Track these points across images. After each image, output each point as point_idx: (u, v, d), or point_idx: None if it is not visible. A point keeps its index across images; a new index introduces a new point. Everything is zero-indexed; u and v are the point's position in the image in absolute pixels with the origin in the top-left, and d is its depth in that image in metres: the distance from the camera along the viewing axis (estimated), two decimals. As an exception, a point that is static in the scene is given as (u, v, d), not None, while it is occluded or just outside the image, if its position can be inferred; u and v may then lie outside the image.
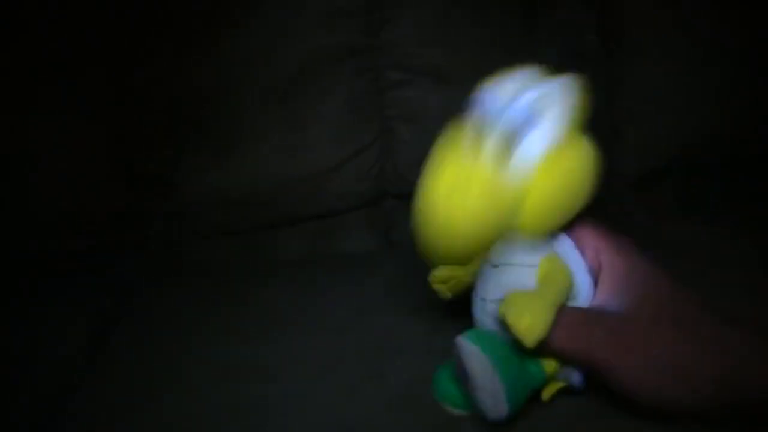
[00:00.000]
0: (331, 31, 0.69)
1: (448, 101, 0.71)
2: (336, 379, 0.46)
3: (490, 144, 0.35)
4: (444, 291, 0.42)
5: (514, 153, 0.35)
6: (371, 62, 0.71)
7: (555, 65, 0.73)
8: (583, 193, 0.37)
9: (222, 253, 0.74)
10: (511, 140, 0.35)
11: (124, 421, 0.44)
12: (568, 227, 0.39)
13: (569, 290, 0.36)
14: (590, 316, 0.36)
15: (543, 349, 0.34)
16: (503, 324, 0.33)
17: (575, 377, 0.37)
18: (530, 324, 0.32)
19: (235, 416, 0.43)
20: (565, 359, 0.36)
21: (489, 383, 0.34)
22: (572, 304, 0.37)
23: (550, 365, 0.36)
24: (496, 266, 0.37)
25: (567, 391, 0.38)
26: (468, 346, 0.35)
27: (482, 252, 0.36)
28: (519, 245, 0.37)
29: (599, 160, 0.38)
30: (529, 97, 0.36)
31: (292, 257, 0.73)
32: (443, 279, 0.41)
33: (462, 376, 0.36)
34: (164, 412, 0.44)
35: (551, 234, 0.38)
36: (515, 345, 0.35)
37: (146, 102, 0.69)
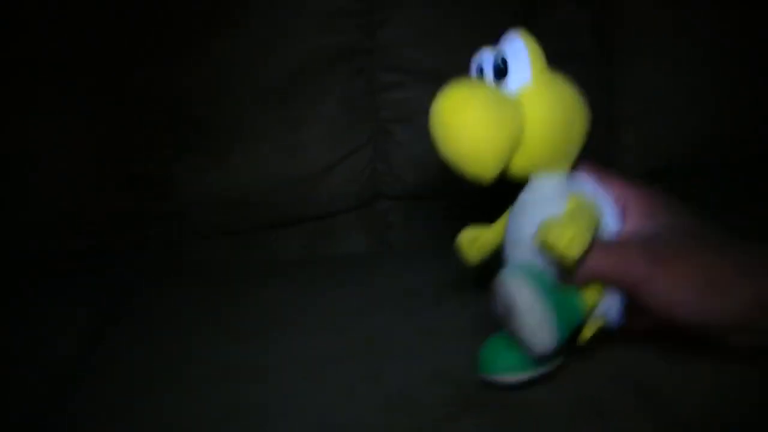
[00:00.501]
0: (327, 33, 0.69)
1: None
2: (333, 379, 0.46)
3: (484, 79, 0.39)
4: (471, 254, 0.43)
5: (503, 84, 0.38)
6: (367, 63, 0.71)
7: (553, 65, 0.73)
8: (578, 124, 0.39)
9: (220, 254, 0.74)
10: (498, 76, 0.38)
11: (123, 421, 0.44)
12: (587, 169, 0.41)
13: (599, 222, 0.37)
14: (625, 238, 0.37)
15: (584, 271, 0.35)
16: (543, 248, 0.34)
17: (614, 312, 0.38)
18: (571, 238, 0.33)
19: (233, 416, 0.43)
20: (604, 279, 0.36)
21: (538, 312, 0.35)
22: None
23: (591, 297, 0.37)
24: (525, 209, 0.39)
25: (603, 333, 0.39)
26: (513, 278, 0.35)
27: (502, 164, 0.37)
28: (543, 188, 0.39)
29: (584, 97, 0.40)
30: (500, 47, 0.39)
31: (288, 258, 0.73)
32: (470, 239, 0.43)
33: (506, 315, 0.37)
34: (163, 412, 0.44)
35: (573, 175, 0.40)
36: (556, 278, 0.36)
37: (145, 102, 0.69)
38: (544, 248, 0.34)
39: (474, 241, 0.43)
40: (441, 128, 0.37)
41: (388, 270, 0.63)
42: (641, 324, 0.39)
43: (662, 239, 0.36)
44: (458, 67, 0.71)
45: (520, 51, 0.38)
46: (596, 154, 0.76)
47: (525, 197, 0.40)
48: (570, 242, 0.33)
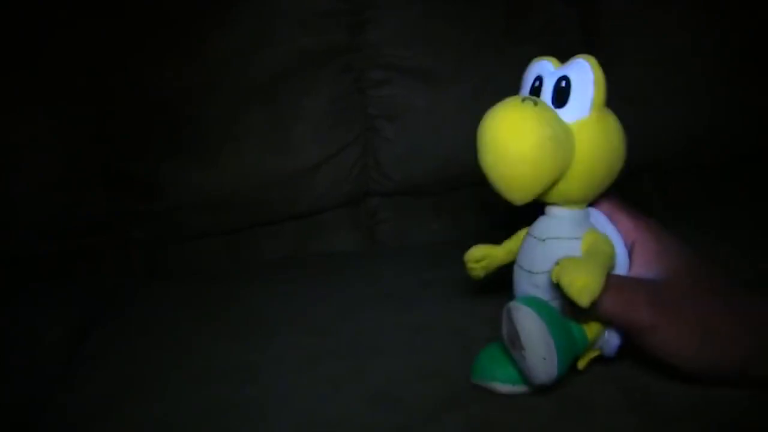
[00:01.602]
0: (315, 31, 0.69)
1: (431, 100, 0.71)
2: (318, 376, 0.46)
3: (541, 98, 0.38)
4: (478, 270, 0.43)
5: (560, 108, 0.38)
6: (354, 62, 0.71)
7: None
8: (618, 164, 0.38)
9: (208, 253, 0.73)
10: (558, 99, 0.38)
11: (113, 420, 0.44)
12: (598, 203, 0.41)
13: (613, 259, 0.38)
14: (634, 281, 0.37)
15: (592, 311, 0.36)
16: (557, 287, 0.35)
17: (611, 345, 0.39)
18: (585, 283, 0.34)
19: (221, 414, 0.43)
20: (612, 321, 0.37)
21: (544, 345, 0.36)
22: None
23: (592, 331, 0.38)
24: (543, 240, 0.39)
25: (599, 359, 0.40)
26: (523, 308, 0.36)
27: (545, 186, 0.37)
28: (563, 220, 0.39)
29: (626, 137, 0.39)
30: (567, 69, 0.38)
31: (276, 257, 0.73)
32: (477, 258, 0.43)
33: (512, 342, 0.37)
34: (152, 411, 0.44)
35: (587, 210, 0.40)
36: (562, 312, 0.38)
37: (131, 102, 0.68)
38: (559, 288, 0.35)
39: (482, 259, 0.43)
40: (495, 145, 0.36)
41: (376, 267, 0.63)
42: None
43: (668, 287, 0.36)
44: (446, 65, 0.72)
45: (587, 81, 0.37)
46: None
47: (542, 226, 0.40)
48: (582, 289, 0.34)
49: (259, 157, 0.69)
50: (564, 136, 0.36)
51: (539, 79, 0.39)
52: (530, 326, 0.36)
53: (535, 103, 0.36)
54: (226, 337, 0.52)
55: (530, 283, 0.40)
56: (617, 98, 0.74)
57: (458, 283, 0.52)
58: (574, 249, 0.38)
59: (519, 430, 0.39)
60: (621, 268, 0.39)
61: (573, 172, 0.37)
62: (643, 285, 0.37)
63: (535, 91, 0.38)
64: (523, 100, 0.36)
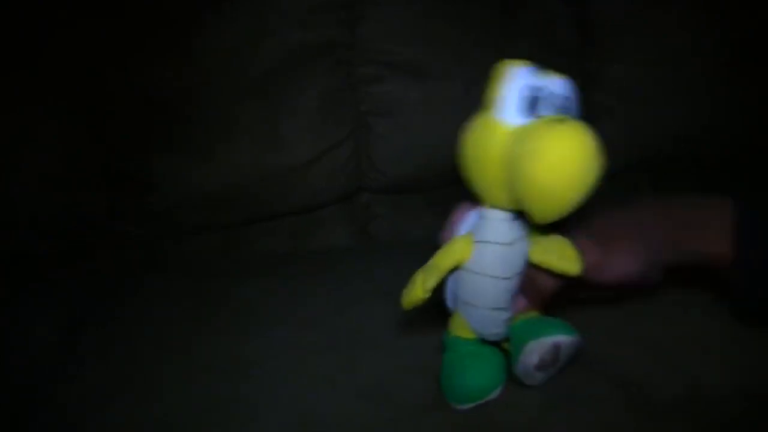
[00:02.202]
0: (307, 28, 0.69)
1: (424, 96, 0.71)
2: (309, 370, 0.46)
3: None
4: (420, 302, 0.41)
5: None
6: (346, 58, 0.71)
7: (531, 59, 0.73)
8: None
9: (201, 250, 0.74)
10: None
11: (108, 412, 0.45)
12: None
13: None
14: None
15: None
16: (547, 270, 0.40)
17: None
18: (573, 255, 0.39)
19: (215, 407, 0.44)
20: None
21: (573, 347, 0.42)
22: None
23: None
24: (510, 244, 0.39)
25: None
26: (571, 338, 0.41)
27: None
28: (512, 221, 0.40)
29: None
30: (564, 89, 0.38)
31: (269, 252, 0.73)
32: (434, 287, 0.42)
33: (546, 366, 0.41)
34: (147, 404, 0.45)
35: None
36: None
37: (126, 102, 0.69)
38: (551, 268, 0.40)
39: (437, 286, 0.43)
40: (570, 169, 0.35)
41: (369, 263, 0.63)
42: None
43: (603, 229, 0.43)
44: (438, 61, 0.72)
45: (575, 98, 0.38)
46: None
47: (499, 231, 0.40)
48: (576, 261, 0.40)
49: (254, 153, 0.69)
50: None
51: (533, 99, 0.38)
52: (569, 347, 0.42)
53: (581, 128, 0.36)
54: (220, 332, 0.53)
55: (505, 289, 0.40)
56: (611, 92, 0.75)
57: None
58: (528, 245, 0.40)
59: (509, 424, 0.40)
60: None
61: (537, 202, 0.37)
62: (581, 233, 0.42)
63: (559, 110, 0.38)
64: (568, 121, 0.35)
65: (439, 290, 0.42)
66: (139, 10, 0.67)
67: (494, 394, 0.41)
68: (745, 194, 0.42)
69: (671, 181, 0.79)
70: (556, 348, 0.41)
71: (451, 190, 0.75)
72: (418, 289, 0.38)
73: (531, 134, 0.35)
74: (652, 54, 0.75)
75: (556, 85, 0.38)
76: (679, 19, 0.74)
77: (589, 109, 0.75)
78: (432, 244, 0.44)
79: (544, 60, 0.75)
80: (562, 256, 0.40)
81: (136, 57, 0.68)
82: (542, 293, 0.42)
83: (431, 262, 0.40)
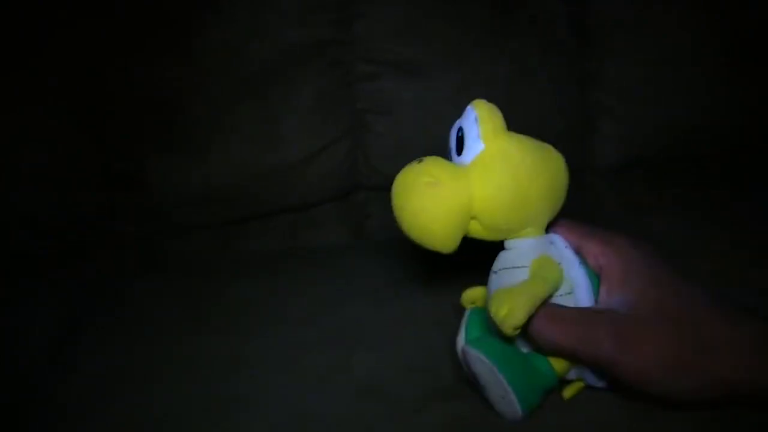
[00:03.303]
0: (304, 25, 0.69)
1: (420, 94, 0.71)
2: (305, 369, 0.46)
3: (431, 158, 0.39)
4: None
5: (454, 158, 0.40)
6: (343, 55, 0.71)
7: (530, 58, 0.73)
8: (540, 188, 0.38)
9: (198, 247, 0.74)
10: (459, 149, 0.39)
11: (103, 412, 0.45)
12: (565, 230, 0.41)
13: (557, 283, 0.38)
14: (593, 314, 0.37)
15: (547, 343, 0.36)
16: (490, 317, 0.36)
17: (589, 375, 0.39)
18: (508, 312, 0.34)
19: (211, 406, 0.44)
20: (570, 357, 0.37)
21: (497, 385, 0.37)
22: (570, 299, 0.39)
23: (558, 363, 0.38)
24: (496, 272, 0.39)
25: (592, 389, 0.40)
26: (472, 352, 0.37)
27: (457, 237, 0.38)
28: (514, 251, 0.39)
29: (558, 165, 0.39)
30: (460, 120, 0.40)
31: (265, 250, 0.73)
32: (470, 301, 0.44)
33: (474, 382, 0.39)
34: (142, 403, 0.45)
35: (543, 238, 0.40)
36: (522, 347, 0.39)
37: (126, 102, 0.69)
38: (491, 317, 0.35)
39: (473, 302, 0.44)
40: (395, 211, 0.39)
41: (365, 261, 0.63)
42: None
43: (631, 318, 0.36)
44: (436, 59, 0.72)
45: (472, 121, 0.38)
46: (574, 145, 0.77)
47: (498, 259, 0.40)
48: (506, 316, 0.34)
49: (249, 151, 0.69)
50: (451, 178, 0.37)
51: (461, 129, 0.39)
52: (480, 368, 0.37)
53: (420, 161, 0.38)
54: (220, 331, 0.53)
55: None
56: (609, 90, 0.75)
57: (445, 276, 0.52)
58: (521, 277, 0.38)
59: (504, 422, 0.40)
60: (581, 291, 0.38)
61: (482, 208, 0.37)
62: (603, 317, 0.36)
63: (459, 141, 0.39)
64: (413, 163, 0.39)
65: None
66: (139, 10, 0.68)
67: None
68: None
69: (671, 181, 0.79)
70: (464, 355, 0.39)
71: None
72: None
73: None
74: (652, 54, 0.75)
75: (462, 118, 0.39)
76: (679, 19, 0.74)
77: (588, 109, 0.76)
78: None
79: (543, 59, 0.76)
80: (494, 312, 0.35)
81: (136, 57, 0.68)
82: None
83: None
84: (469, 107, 0.39)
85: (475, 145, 0.38)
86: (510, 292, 0.35)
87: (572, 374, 0.40)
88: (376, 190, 0.76)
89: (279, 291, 0.59)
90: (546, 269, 0.38)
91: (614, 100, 0.76)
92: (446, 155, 0.41)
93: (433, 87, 0.71)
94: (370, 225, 0.77)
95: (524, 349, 0.39)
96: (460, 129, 0.39)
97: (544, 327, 0.36)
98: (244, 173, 0.70)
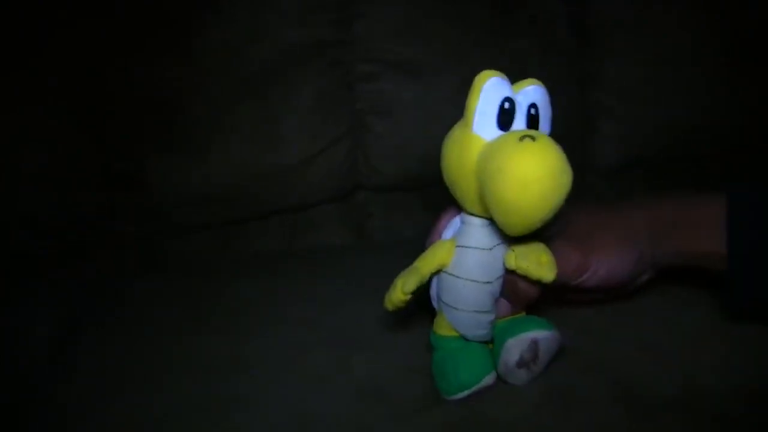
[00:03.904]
0: (304, 25, 0.69)
1: (420, 94, 0.71)
2: (305, 369, 0.47)
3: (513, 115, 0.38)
4: (402, 304, 0.42)
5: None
6: (343, 56, 0.71)
7: (530, 58, 0.73)
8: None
9: (199, 247, 0.74)
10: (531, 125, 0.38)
11: (104, 411, 0.45)
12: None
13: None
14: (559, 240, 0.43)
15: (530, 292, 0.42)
16: (525, 276, 0.40)
17: None
18: (548, 261, 0.40)
19: (209, 408, 0.44)
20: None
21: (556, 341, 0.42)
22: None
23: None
24: (489, 249, 0.40)
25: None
26: (549, 333, 0.41)
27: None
28: (491, 227, 0.40)
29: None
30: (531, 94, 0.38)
31: (265, 251, 0.73)
32: (413, 290, 0.42)
33: (527, 363, 0.42)
34: (142, 402, 0.45)
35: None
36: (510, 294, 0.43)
37: (125, 102, 0.69)
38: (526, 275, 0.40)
39: (417, 290, 0.43)
40: (552, 187, 0.34)
41: (365, 262, 0.63)
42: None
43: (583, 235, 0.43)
44: (436, 60, 0.72)
45: (547, 104, 0.39)
46: (574, 145, 0.77)
47: (478, 237, 0.40)
48: (550, 268, 0.40)
49: (250, 151, 0.69)
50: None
51: (505, 105, 0.37)
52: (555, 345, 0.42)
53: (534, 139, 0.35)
54: (220, 332, 0.53)
55: (487, 292, 0.41)
56: (609, 90, 0.75)
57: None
58: (505, 251, 0.41)
59: (503, 421, 0.40)
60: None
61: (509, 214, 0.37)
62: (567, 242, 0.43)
63: (533, 119, 0.38)
64: (534, 138, 0.35)
65: (425, 291, 0.43)
66: (139, 10, 0.68)
67: (487, 381, 0.41)
68: (737, 189, 0.42)
69: (670, 180, 0.79)
70: (534, 343, 0.41)
71: (447, 189, 0.76)
72: (398, 291, 0.39)
73: (499, 151, 0.35)
74: (652, 54, 0.75)
75: (529, 94, 0.38)
76: (679, 19, 0.74)
77: (588, 109, 0.76)
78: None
79: (543, 59, 0.75)
80: (536, 263, 0.40)
81: (136, 57, 0.68)
82: (524, 297, 0.42)
83: (413, 265, 0.41)
84: (539, 87, 0.38)
85: (545, 126, 0.38)
86: (533, 250, 0.40)
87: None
88: (376, 190, 0.76)
89: (279, 291, 0.59)
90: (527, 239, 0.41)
91: (614, 100, 0.76)
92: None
93: (433, 87, 0.71)
94: (370, 225, 0.77)
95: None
96: (536, 107, 0.38)
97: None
98: (244, 173, 0.70)
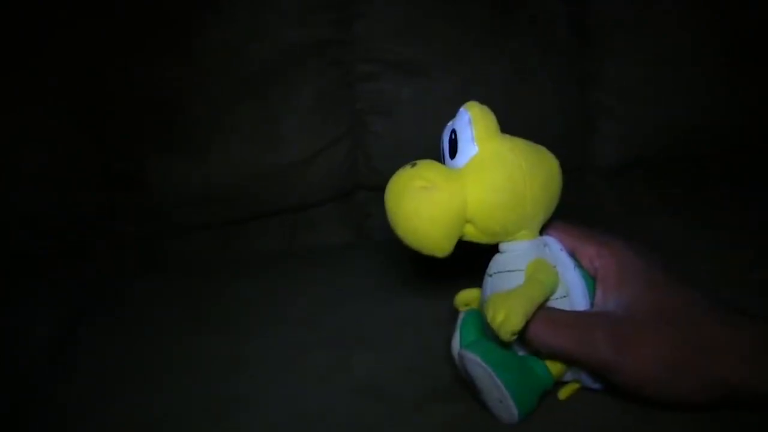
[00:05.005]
0: (304, 25, 0.69)
1: (420, 94, 0.71)
2: (304, 368, 0.47)
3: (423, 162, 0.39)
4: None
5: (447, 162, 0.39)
6: (343, 55, 0.71)
7: (530, 58, 0.73)
8: (534, 191, 0.37)
9: (199, 247, 0.74)
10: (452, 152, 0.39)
11: (104, 411, 0.45)
12: (560, 232, 0.41)
13: (553, 286, 0.38)
14: (590, 316, 0.37)
15: (544, 347, 0.37)
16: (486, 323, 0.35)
17: (585, 377, 0.39)
18: (505, 317, 0.34)
19: (205, 408, 0.44)
20: (567, 360, 0.38)
21: (494, 389, 0.36)
22: (566, 302, 0.39)
23: (554, 366, 0.38)
24: (491, 276, 0.39)
25: (588, 389, 0.40)
26: (470, 356, 0.36)
27: (452, 240, 0.38)
28: (509, 254, 0.39)
29: (552, 167, 0.39)
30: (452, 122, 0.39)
31: (265, 250, 0.73)
32: (464, 302, 0.44)
33: (472, 386, 0.38)
34: (143, 402, 0.45)
35: (538, 241, 0.40)
36: (519, 350, 0.39)
37: (125, 102, 0.69)
38: (487, 322, 0.35)
39: (467, 304, 0.44)
40: (388, 215, 0.38)
41: (365, 261, 0.63)
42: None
43: (629, 320, 0.36)
44: (436, 59, 0.72)
45: (465, 123, 0.38)
46: (574, 145, 0.77)
47: (493, 262, 0.40)
48: (503, 322, 0.34)
49: (250, 151, 0.69)
50: (445, 181, 0.37)
51: (454, 132, 0.39)
52: (478, 372, 0.36)
53: (413, 165, 0.38)
54: (219, 331, 0.53)
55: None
56: (609, 90, 0.75)
57: (445, 276, 0.52)
58: (516, 280, 0.38)
59: (503, 422, 0.40)
60: (576, 294, 0.39)
61: (476, 211, 0.37)
62: (600, 320, 0.36)
63: (452, 144, 0.39)
64: (406, 167, 0.38)
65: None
66: (139, 10, 0.68)
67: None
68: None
69: (670, 180, 0.79)
70: (461, 359, 0.38)
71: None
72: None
73: None
74: (652, 54, 0.75)
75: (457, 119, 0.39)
76: (679, 19, 0.74)
77: (587, 109, 0.76)
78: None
79: (543, 59, 0.76)
80: (492, 317, 0.34)
81: (136, 57, 0.68)
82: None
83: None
84: (462, 109, 0.39)
85: (469, 148, 0.37)
86: (506, 296, 0.35)
87: (568, 376, 0.39)
88: (376, 190, 0.76)
89: (279, 291, 0.59)
90: (541, 272, 0.37)
91: (614, 100, 0.76)
92: (439, 158, 0.40)
93: (433, 87, 0.71)
94: (370, 225, 0.77)
95: (520, 352, 0.39)
96: (453, 131, 0.39)
97: (542, 331, 0.36)
98: (244, 173, 0.70)
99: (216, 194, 0.71)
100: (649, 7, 0.74)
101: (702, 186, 0.76)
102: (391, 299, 0.53)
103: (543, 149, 0.39)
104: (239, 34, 0.68)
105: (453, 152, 0.38)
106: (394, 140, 0.72)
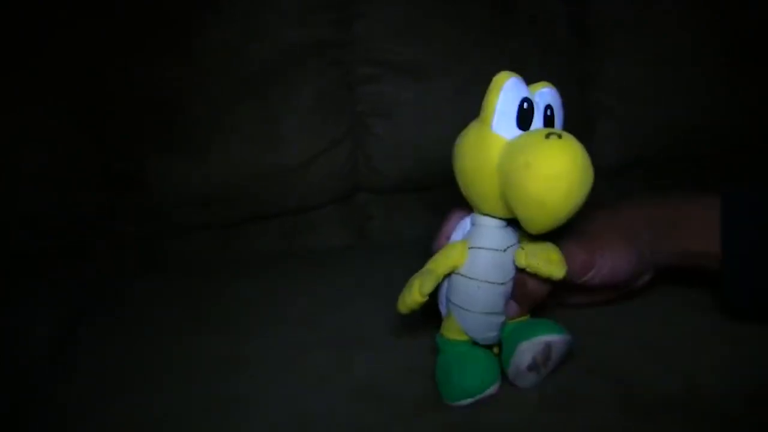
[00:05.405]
0: (304, 25, 0.69)
1: (420, 95, 0.71)
2: (304, 370, 0.47)
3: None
4: (417, 306, 0.41)
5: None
6: (343, 57, 0.71)
7: (530, 58, 0.73)
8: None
9: (195, 248, 0.74)
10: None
11: (104, 412, 0.45)
12: None
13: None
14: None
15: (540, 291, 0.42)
16: (535, 274, 0.40)
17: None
18: (558, 259, 0.41)
19: (209, 408, 0.44)
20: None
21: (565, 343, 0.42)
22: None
23: None
24: (504, 251, 0.40)
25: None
26: (562, 337, 0.41)
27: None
28: (508, 228, 0.41)
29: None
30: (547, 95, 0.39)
31: (265, 252, 0.73)
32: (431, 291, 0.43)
33: (537, 366, 0.42)
34: (143, 402, 0.45)
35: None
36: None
37: (125, 102, 0.69)
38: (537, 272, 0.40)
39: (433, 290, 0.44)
40: (575, 184, 0.35)
41: (365, 262, 0.63)
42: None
43: (587, 234, 0.44)
44: (436, 60, 0.72)
45: (560, 106, 0.39)
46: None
47: (493, 238, 0.40)
48: (559, 265, 0.41)
49: (250, 152, 0.69)
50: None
51: (550, 108, 0.39)
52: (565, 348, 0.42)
53: (560, 137, 0.35)
54: (219, 332, 0.53)
55: (500, 294, 0.41)
56: (608, 90, 0.75)
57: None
58: (513, 254, 0.41)
59: (502, 424, 0.40)
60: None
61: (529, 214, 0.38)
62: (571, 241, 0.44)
63: (548, 120, 0.39)
64: (560, 135, 0.35)
65: (432, 294, 0.42)
66: (139, 10, 0.68)
67: (491, 390, 0.41)
68: (733, 189, 0.43)
69: (670, 180, 0.79)
70: (548, 347, 0.41)
71: (448, 190, 0.76)
72: (416, 293, 0.39)
73: (526, 148, 0.35)
74: (652, 54, 0.75)
75: (545, 95, 0.39)
76: (679, 19, 0.74)
77: (587, 109, 0.76)
78: (428, 245, 0.45)
79: (543, 59, 0.76)
80: (547, 260, 0.40)
81: (136, 57, 0.68)
82: (532, 297, 0.42)
83: (427, 266, 0.41)
84: (553, 89, 0.39)
85: (559, 127, 0.39)
86: (542, 249, 0.41)
87: None
88: (377, 191, 0.76)
89: (279, 291, 0.59)
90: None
91: (614, 100, 0.76)
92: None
93: (433, 88, 0.71)
94: (370, 227, 0.77)
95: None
96: (550, 107, 0.38)
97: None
98: (244, 173, 0.70)
99: (216, 194, 0.71)
100: (649, 7, 0.74)
101: (702, 186, 0.76)
102: (391, 299, 0.53)
103: None
104: (239, 34, 0.68)
105: (527, 123, 0.37)
106: (394, 141, 0.72)
